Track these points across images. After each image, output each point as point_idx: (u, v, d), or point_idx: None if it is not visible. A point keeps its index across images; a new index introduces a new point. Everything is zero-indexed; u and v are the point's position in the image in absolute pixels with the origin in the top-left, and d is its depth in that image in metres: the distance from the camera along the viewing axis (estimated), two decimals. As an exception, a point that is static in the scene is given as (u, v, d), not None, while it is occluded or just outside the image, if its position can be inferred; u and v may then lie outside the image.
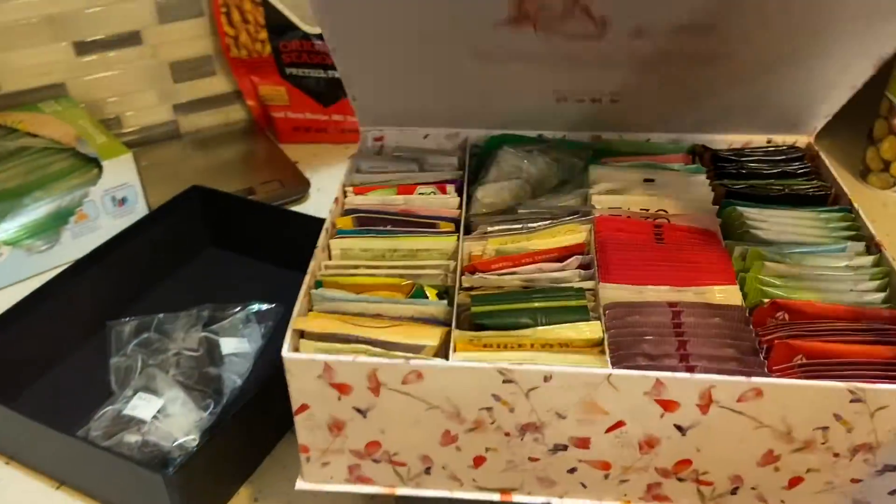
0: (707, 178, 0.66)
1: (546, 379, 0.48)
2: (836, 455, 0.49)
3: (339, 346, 0.49)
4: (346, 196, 0.65)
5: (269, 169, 1.01)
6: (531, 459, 0.52)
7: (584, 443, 0.50)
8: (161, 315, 0.77)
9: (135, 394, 0.69)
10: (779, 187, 0.65)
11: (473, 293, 0.55)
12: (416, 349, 0.50)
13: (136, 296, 0.82)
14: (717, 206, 0.63)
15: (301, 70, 1.02)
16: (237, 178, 0.98)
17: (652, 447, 0.50)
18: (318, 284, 0.55)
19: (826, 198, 0.64)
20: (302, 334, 0.51)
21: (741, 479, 0.51)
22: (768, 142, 0.72)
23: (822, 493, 0.51)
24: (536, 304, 0.53)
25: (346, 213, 0.62)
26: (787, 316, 0.53)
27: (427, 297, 0.55)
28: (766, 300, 0.54)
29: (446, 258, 0.59)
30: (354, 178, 0.67)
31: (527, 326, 0.52)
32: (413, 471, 0.53)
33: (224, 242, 0.88)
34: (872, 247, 0.59)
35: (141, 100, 1.03)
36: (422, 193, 0.64)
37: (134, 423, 0.66)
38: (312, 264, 0.56)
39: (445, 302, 0.54)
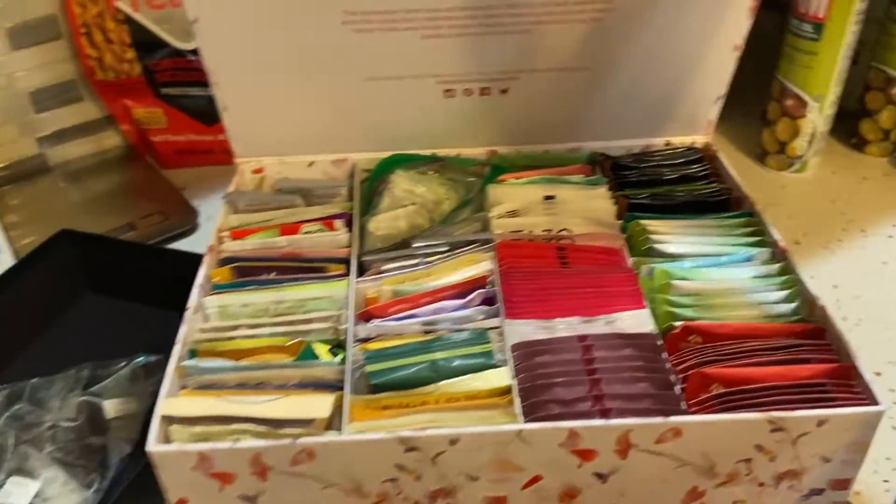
0: (608, 189, 0.62)
1: (452, 442, 0.43)
2: (762, 485, 0.47)
3: (216, 429, 0.43)
4: (221, 242, 0.58)
5: (152, 199, 0.92)
6: (445, 525, 0.47)
7: (500, 502, 0.46)
8: (34, 380, 0.68)
9: (7, 478, 0.61)
10: (681, 194, 0.62)
11: (367, 347, 0.49)
12: (306, 423, 0.44)
13: (8, 359, 0.72)
14: (621, 221, 0.60)
15: (177, 89, 0.94)
16: (116, 212, 0.89)
17: (573, 497, 0.46)
18: (192, 353, 0.49)
19: (728, 202, 0.62)
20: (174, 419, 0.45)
21: (667, 519, 0.48)
22: (667, 144, 0.69)
23: (749, 523, 0.49)
24: (438, 355, 0.48)
25: (223, 262, 0.56)
26: (700, 339, 0.50)
27: (317, 357, 0.49)
28: (677, 323, 0.50)
29: (338, 307, 0.53)
30: (231, 219, 0.60)
31: (429, 382, 0.47)
32: (317, 551, 0.48)
33: (103, 288, 0.79)
34: (778, 252, 0.56)
35: (0, 135, 0.92)
36: (308, 232, 0.57)
37: (9, 512, 0.58)
38: (184, 330, 0.49)
39: (338, 360, 0.48)
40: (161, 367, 0.70)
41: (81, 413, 0.66)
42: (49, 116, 0.94)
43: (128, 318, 0.77)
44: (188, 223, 0.88)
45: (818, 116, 0.87)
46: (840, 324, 0.49)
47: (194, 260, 0.73)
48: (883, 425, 0.45)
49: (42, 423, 0.65)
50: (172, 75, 0.93)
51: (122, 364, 0.70)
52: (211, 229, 0.88)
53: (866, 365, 0.47)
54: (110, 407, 0.68)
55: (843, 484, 0.47)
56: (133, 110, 0.95)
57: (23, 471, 0.61)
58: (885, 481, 0.54)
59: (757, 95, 0.92)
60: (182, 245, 0.86)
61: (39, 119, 0.94)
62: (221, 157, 0.97)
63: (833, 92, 0.86)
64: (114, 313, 0.78)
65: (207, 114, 0.95)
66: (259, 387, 0.46)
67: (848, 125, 0.94)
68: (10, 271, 0.74)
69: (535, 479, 0.45)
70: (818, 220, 0.84)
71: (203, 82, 0.92)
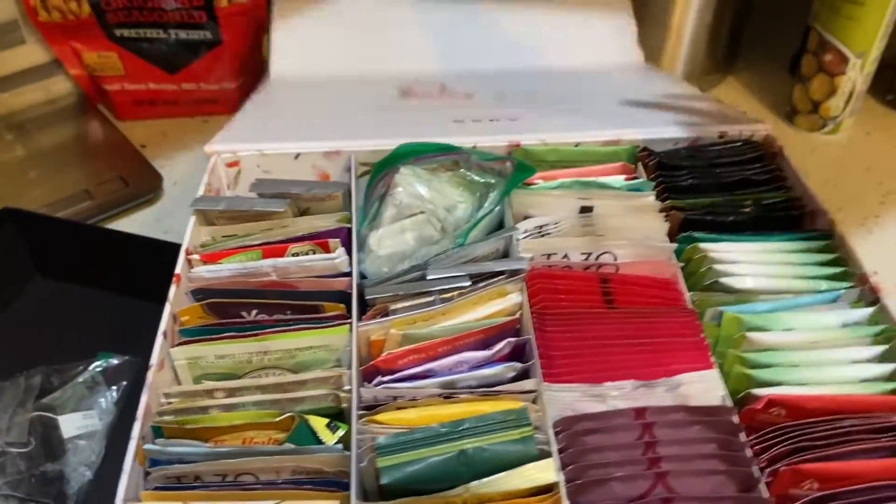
0: (656, 198, 0.49)
1: (490, 572, 0.33)
2: None
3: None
4: (191, 266, 0.44)
5: (109, 160, 0.76)
6: None
7: None
8: (-25, 391, 0.56)
9: (-57, 525, 0.50)
10: (742, 203, 0.49)
11: (376, 420, 0.38)
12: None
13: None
14: (675, 243, 0.47)
15: (134, 31, 0.77)
16: (69, 177, 0.74)
17: None
18: (157, 433, 0.37)
19: (801, 217, 0.49)
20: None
21: None
22: (721, 137, 0.55)
23: None
24: (467, 444, 0.36)
25: (194, 296, 0.43)
26: (783, 411, 0.39)
27: (315, 435, 0.37)
28: (756, 392, 0.39)
29: (336, 358, 0.41)
30: (201, 233, 0.47)
31: (456, 478, 0.36)
32: None
33: (55, 272, 0.65)
34: (865, 290, 0.45)
35: (-68, 85, 0.76)
36: (297, 254, 0.44)
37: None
38: (145, 400, 0.37)
39: (341, 446, 0.37)
40: (126, 371, 0.58)
41: (34, 433, 0.55)
42: (-14, 61, 0.78)
43: (85, 307, 0.64)
44: (151, 190, 0.74)
45: (859, 74, 0.75)
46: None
47: (160, 249, 0.60)
48: None
49: (-15, 449, 0.53)
50: (127, 15, 0.76)
51: (80, 367, 0.58)
52: (178, 198, 0.75)
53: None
54: (67, 423, 0.56)
55: None
56: (83, 55, 0.79)
57: (-38, 516, 0.50)
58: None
59: (783, 43, 0.79)
60: (145, 215, 0.72)
61: (-25, 64, 0.77)
62: (187, 107, 0.82)
63: (877, 48, 0.73)
64: (67, 300, 0.64)
65: (170, 60, 0.79)
66: (239, 484, 0.35)
67: (882, 79, 0.82)
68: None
69: None
70: (854, 192, 0.72)
71: (163, 24, 0.76)
